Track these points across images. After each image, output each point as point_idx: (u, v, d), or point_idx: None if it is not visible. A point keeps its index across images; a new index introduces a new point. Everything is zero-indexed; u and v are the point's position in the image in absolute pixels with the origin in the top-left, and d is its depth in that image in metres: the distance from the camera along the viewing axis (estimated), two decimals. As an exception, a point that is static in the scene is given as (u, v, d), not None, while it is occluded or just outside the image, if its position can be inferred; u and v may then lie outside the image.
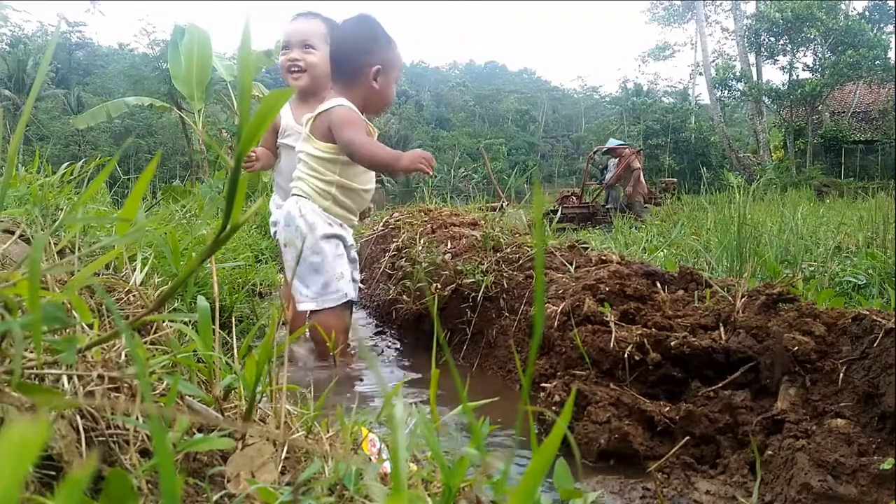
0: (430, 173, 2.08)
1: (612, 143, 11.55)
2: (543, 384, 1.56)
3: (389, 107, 2.30)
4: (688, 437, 1.30)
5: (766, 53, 24.30)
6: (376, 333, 2.77)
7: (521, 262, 2.32)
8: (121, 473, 0.49)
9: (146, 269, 1.24)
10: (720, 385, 1.41)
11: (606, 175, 11.70)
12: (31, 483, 0.56)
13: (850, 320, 1.39)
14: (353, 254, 2.39)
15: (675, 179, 15.82)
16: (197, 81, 6.85)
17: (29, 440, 0.24)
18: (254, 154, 2.53)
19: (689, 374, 1.48)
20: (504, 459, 0.57)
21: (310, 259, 2.16)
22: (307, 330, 2.51)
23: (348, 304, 2.26)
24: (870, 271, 2.39)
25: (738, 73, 24.42)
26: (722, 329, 1.53)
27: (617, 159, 10.97)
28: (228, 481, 0.70)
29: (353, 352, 2.28)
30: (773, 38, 23.42)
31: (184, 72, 6.86)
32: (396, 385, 0.81)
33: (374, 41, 2.17)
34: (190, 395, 0.79)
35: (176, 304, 1.67)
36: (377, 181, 2.43)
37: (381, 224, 3.64)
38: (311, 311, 2.18)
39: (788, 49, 23.65)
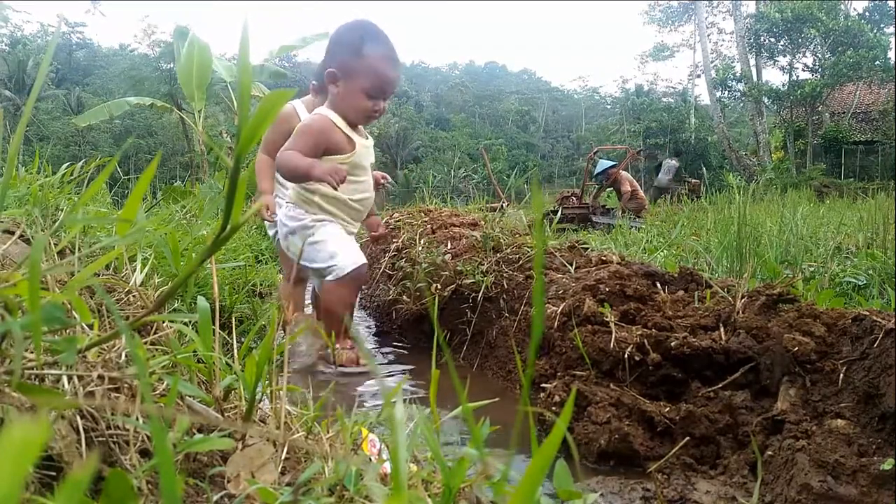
0: (334, 187, 2.02)
1: (604, 165, 11.27)
2: (543, 384, 1.57)
3: (366, 118, 2.15)
4: (688, 438, 1.30)
5: (766, 54, 24.31)
6: (376, 334, 2.77)
7: (521, 262, 2.32)
8: (121, 474, 0.49)
9: (146, 269, 1.24)
10: (720, 385, 1.41)
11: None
12: (31, 483, 0.56)
13: (850, 321, 1.39)
14: None
15: (698, 180, 15.59)
16: (197, 82, 6.87)
17: (29, 441, 0.24)
18: (268, 209, 2.51)
19: (689, 374, 1.48)
20: (504, 460, 0.57)
21: (310, 240, 2.14)
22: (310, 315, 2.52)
23: (358, 280, 2.19)
24: (870, 272, 2.39)
25: (737, 74, 24.43)
26: (722, 329, 1.53)
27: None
28: (228, 482, 0.70)
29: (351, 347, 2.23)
30: (772, 39, 23.42)
31: (184, 72, 6.89)
32: (396, 385, 0.81)
33: (337, 44, 2.11)
34: (190, 396, 0.79)
35: (176, 305, 1.67)
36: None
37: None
38: (324, 287, 2.16)
39: (788, 50, 23.64)
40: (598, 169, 10.99)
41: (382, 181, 2.44)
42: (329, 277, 2.14)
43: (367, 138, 2.25)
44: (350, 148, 2.15)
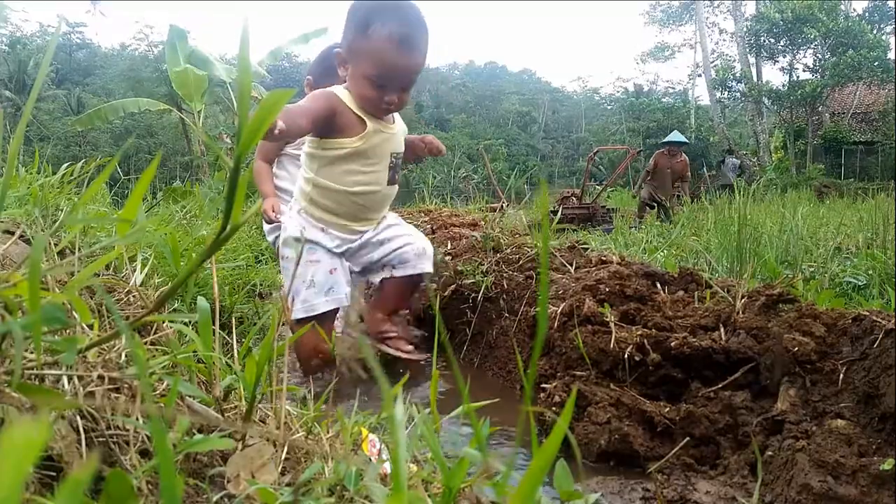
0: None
1: (678, 136, 9.97)
2: (544, 384, 1.57)
3: (377, 109, 1.83)
4: (688, 438, 1.30)
5: (765, 54, 24.30)
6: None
7: (521, 262, 2.32)
8: (121, 474, 0.49)
9: (146, 269, 1.24)
10: (720, 386, 1.41)
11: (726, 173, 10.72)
12: (31, 483, 0.56)
13: (850, 321, 1.39)
14: (358, 262, 2.05)
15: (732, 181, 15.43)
16: (195, 83, 6.89)
17: (30, 441, 0.24)
18: (273, 210, 2.36)
19: (689, 374, 1.48)
20: (504, 460, 0.57)
21: (281, 263, 2.01)
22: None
23: (332, 316, 1.96)
24: (870, 272, 2.39)
25: (737, 74, 24.42)
26: (722, 330, 1.53)
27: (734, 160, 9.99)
28: (228, 482, 0.70)
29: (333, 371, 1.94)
30: (772, 39, 23.41)
31: (181, 74, 6.92)
32: (396, 386, 0.81)
33: (347, 21, 1.82)
34: (190, 396, 0.79)
35: (176, 305, 1.67)
36: None
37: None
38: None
39: (788, 50, 23.63)
40: (673, 138, 10.06)
41: (425, 147, 2.08)
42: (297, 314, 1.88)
43: (393, 122, 1.94)
44: (360, 130, 1.83)
